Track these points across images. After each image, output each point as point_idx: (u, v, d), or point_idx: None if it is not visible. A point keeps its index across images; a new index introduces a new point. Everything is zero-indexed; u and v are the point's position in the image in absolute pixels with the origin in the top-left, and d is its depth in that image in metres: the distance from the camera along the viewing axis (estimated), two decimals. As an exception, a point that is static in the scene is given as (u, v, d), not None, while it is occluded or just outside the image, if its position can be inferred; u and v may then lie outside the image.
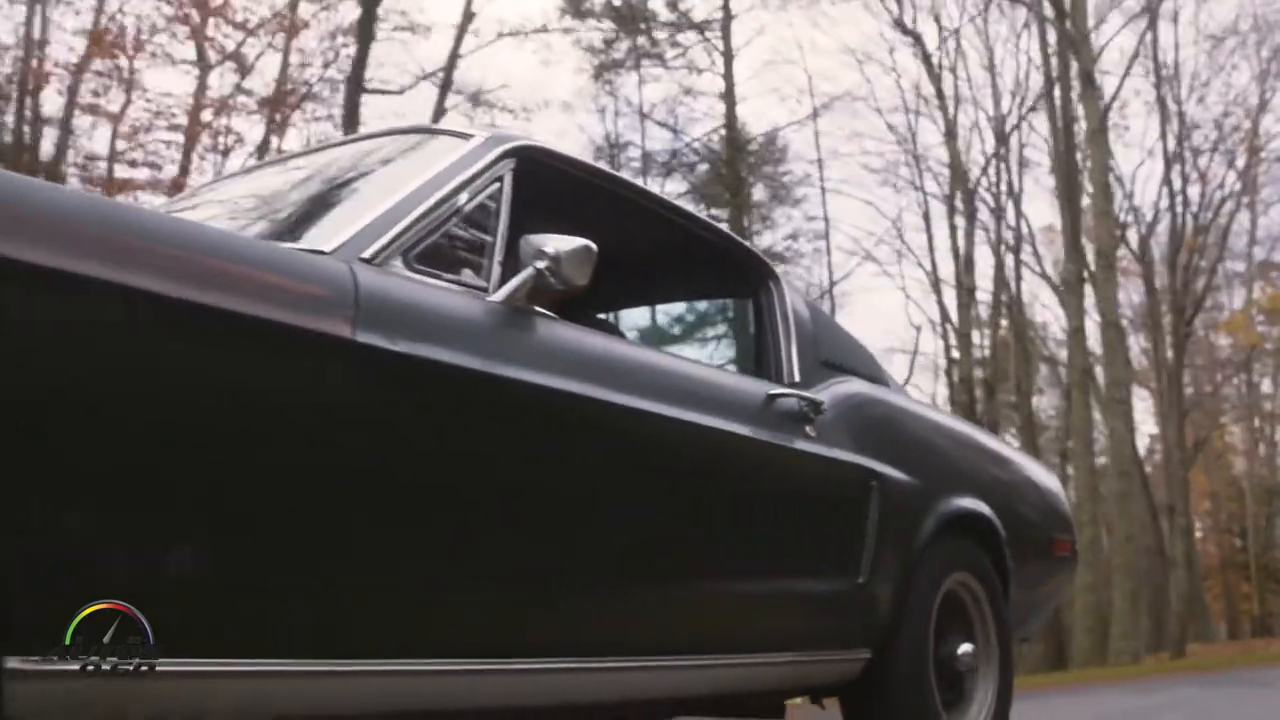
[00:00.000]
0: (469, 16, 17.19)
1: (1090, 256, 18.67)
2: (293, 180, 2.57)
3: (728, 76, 19.93)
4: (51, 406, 1.46)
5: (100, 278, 1.51)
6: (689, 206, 3.16)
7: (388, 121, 14.46)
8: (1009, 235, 22.85)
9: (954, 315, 22.84)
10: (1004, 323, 23.50)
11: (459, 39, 17.18)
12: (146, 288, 1.56)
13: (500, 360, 2.03)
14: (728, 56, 19.94)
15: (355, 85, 15.31)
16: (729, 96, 19.88)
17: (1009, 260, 22.93)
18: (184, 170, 15.10)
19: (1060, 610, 16.56)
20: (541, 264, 2.11)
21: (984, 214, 22.71)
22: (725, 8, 19.96)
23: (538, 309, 2.18)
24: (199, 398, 1.62)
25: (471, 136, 2.34)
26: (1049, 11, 18.40)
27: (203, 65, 15.86)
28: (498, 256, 2.17)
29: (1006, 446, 4.39)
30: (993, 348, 23.34)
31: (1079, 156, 18.33)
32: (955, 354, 22.71)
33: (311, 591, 1.75)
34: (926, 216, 23.32)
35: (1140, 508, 19.37)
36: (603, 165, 2.73)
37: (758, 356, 3.06)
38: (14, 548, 1.40)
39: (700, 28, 20.26)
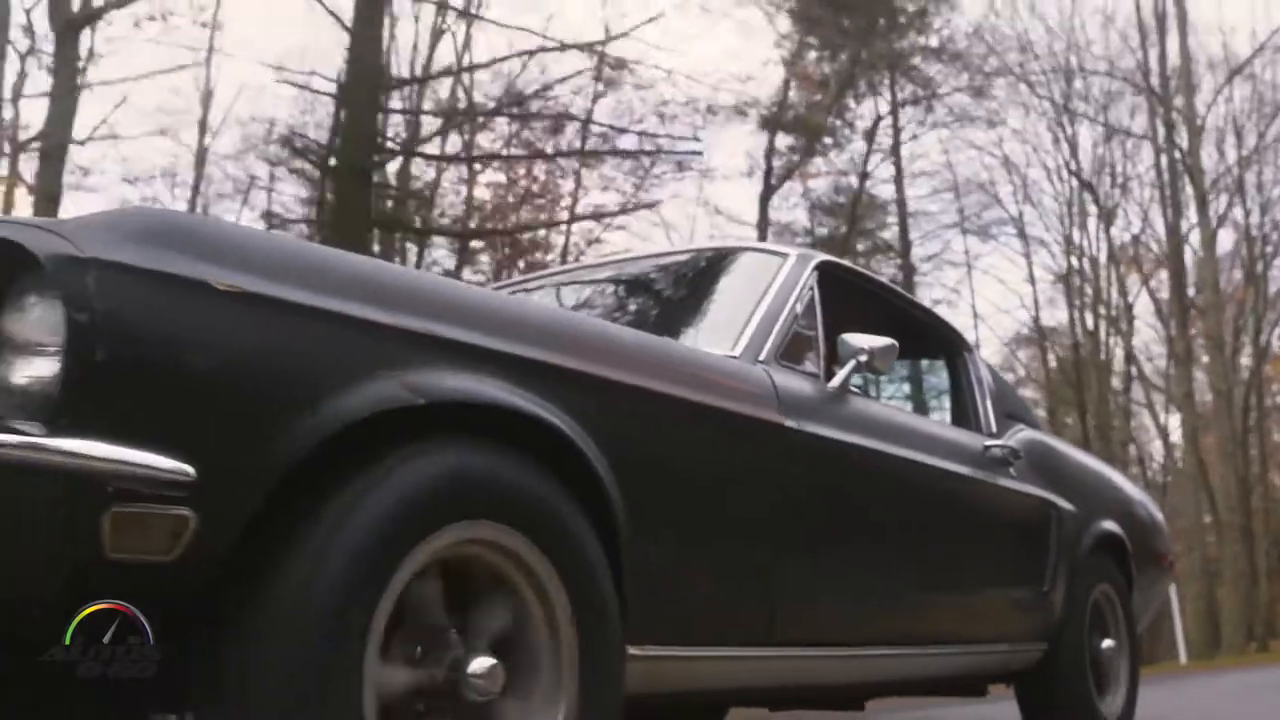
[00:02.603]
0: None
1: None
2: (654, 283, 3.21)
3: (899, 189, 23.81)
4: (642, 474, 2.02)
5: (658, 390, 2.14)
6: (910, 295, 3.88)
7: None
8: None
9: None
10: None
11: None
12: (679, 395, 2.18)
13: (849, 430, 2.62)
14: (899, 171, 23.77)
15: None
16: (901, 210, 23.75)
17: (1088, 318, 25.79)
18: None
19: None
20: (862, 357, 2.66)
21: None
22: (894, 127, 23.70)
23: (852, 388, 2.76)
24: (705, 467, 2.23)
25: (786, 255, 2.92)
26: (1162, 138, 23.12)
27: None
28: (822, 350, 2.76)
29: (1122, 476, 5.00)
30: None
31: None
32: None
33: (772, 599, 2.33)
34: (1032, 284, 26.96)
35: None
36: (863, 269, 3.38)
37: (958, 410, 3.66)
38: (633, 575, 1.93)
39: (868, 138, 23.56)
